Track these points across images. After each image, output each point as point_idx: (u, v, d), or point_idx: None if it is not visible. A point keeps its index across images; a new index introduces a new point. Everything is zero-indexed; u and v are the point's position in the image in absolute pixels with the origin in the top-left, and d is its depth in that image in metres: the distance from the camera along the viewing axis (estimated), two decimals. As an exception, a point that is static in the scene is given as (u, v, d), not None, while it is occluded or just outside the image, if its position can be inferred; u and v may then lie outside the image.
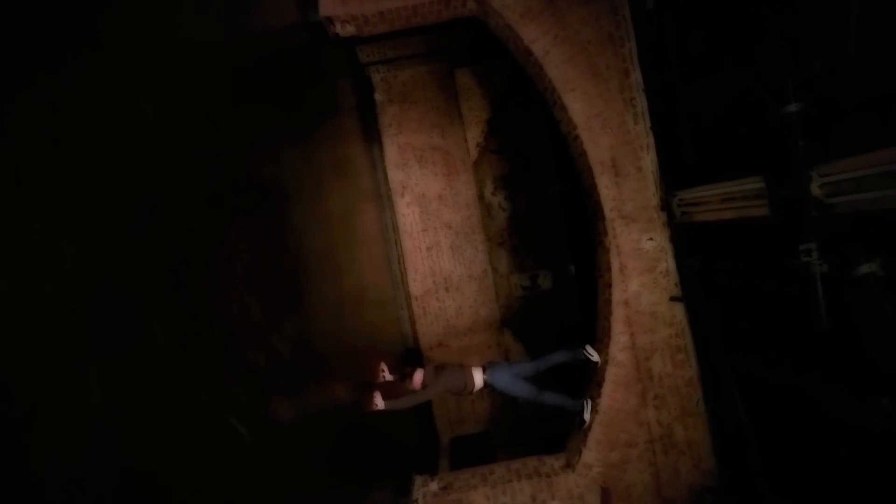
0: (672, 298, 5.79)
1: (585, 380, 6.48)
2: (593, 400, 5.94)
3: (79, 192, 1.56)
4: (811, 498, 4.63)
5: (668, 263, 5.82)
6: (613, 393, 5.80)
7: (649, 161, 5.80)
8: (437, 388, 5.39)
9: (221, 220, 2.55)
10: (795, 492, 4.83)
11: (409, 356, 8.27)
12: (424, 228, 10.30)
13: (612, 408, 5.79)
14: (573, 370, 6.38)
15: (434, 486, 5.82)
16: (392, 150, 10.37)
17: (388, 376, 5.45)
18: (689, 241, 5.72)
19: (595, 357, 5.76)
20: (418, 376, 5.38)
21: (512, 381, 5.66)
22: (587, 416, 5.81)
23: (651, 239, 5.82)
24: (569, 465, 5.83)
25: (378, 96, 10.41)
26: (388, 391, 5.19)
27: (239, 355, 2.43)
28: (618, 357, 5.80)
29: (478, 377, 5.58)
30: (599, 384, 5.89)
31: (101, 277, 1.59)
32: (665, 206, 5.76)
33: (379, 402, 4.93)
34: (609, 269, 5.92)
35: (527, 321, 10.34)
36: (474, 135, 10.44)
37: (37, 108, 1.47)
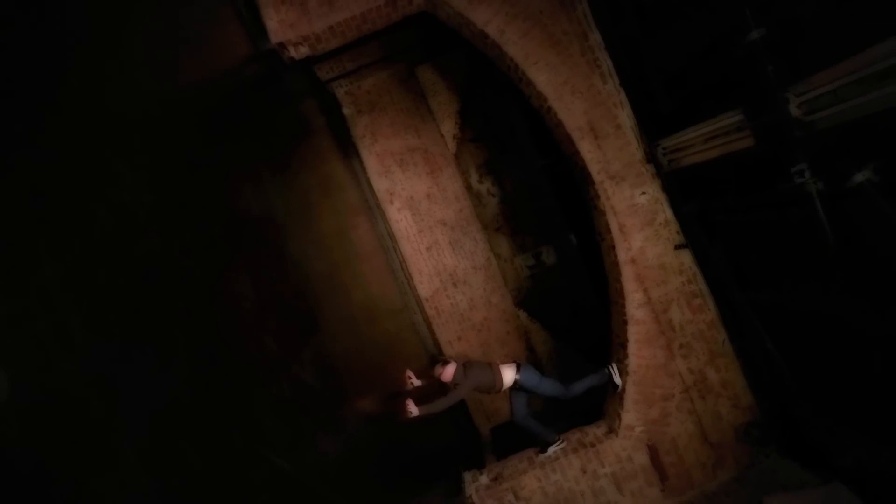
0: (677, 247, 5.78)
1: (607, 345, 6.48)
2: (620, 362, 5.95)
3: (74, 265, 1.56)
4: (852, 413, 4.64)
5: (666, 213, 5.81)
6: (639, 351, 5.80)
7: (626, 117, 5.79)
8: (468, 387, 5.45)
9: (219, 263, 2.54)
10: (835, 410, 4.84)
11: (434, 361, 8.27)
12: (420, 230, 10.28)
13: (641, 365, 5.79)
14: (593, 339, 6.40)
15: (484, 478, 5.83)
16: (371, 160, 10.35)
17: (417, 382, 5.48)
18: (681, 187, 5.71)
19: (617, 379, 5.90)
20: (450, 369, 5.50)
21: (541, 381, 5.82)
22: (618, 379, 5.89)
23: (644, 193, 5.81)
24: (611, 431, 5.83)
25: (346, 110, 10.38)
26: (420, 397, 5.21)
27: (265, 391, 2.43)
28: (636, 315, 5.79)
29: (508, 375, 5.69)
30: (624, 345, 5.89)
31: (113, 345, 1.59)
32: (650, 157, 5.74)
33: (413, 409, 4.97)
34: (609, 231, 5.91)
35: (540, 298, 10.35)
36: (449, 128, 10.42)
37: (17, 190, 1.46)
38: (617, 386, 5.89)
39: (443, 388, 5.54)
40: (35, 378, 1.32)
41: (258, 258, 3.13)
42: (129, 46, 2.66)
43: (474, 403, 9.80)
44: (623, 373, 5.87)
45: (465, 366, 5.61)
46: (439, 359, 5.64)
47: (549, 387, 5.85)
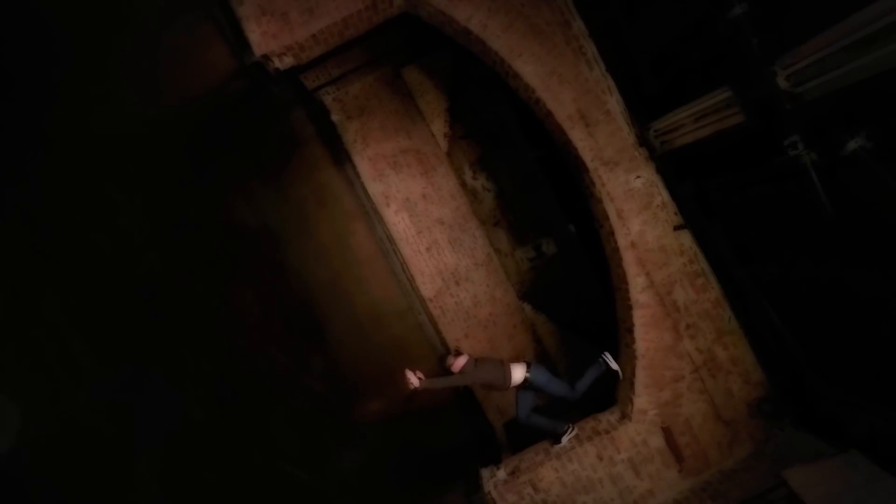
0: (676, 228, 5.78)
1: (614, 331, 6.48)
2: (628, 346, 5.95)
3: (77, 294, 1.56)
4: (863, 380, 4.64)
5: (662, 195, 5.81)
6: (646, 334, 5.80)
7: (615, 102, 5.78)
8: (473, 378, 5.58)
9: (221, 281, 2.54)
10: (846, 378, 4.84)
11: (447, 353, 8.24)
12: (418, 231, 10.28)
13: (648, 349, 5.80)
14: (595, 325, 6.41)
15: (502, 473, 5.83)
16: (364, 165, 10.34)
17: (416, 381, 5.52)
18: (676, 168, 5.71)
19: (614, 365, 6.00)
20: (461, 361, 5.66)
21: (550, 381, 5.92)
22: (615, 366, 5.96)
23: (639, 177, 5.81)
24: (624, 416, 5.84)
25: (335, 117, 10.37)
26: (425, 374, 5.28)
27: (277, 405, 2.43)
28: (640, 299, 5.79)
29: (517, 373, 5.80)
30: (630, 330, 5.89)
31: (122, 370, 1.60)
32: (643, 141, 5.74)
33: (414, 380, 5.06)
34: (607, 218, 5.91)
35: (543, 290, 10.35)
36: (439, 127, 10.41)
37: (15, 225, 1.46)
38: (616, 372, 5.93)
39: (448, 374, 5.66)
40: (46, 409, 1.32)
41: (259, 272, 3.13)
42: (113, 72, 2.66)
43: (486, 400, 9.81)
44: (632, 357, 5.87)
45: (477, 361, 5.71)
46: (451, 355, 5.74)
47: (557, 387, 5.96)
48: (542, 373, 5.88)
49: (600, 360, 6.07)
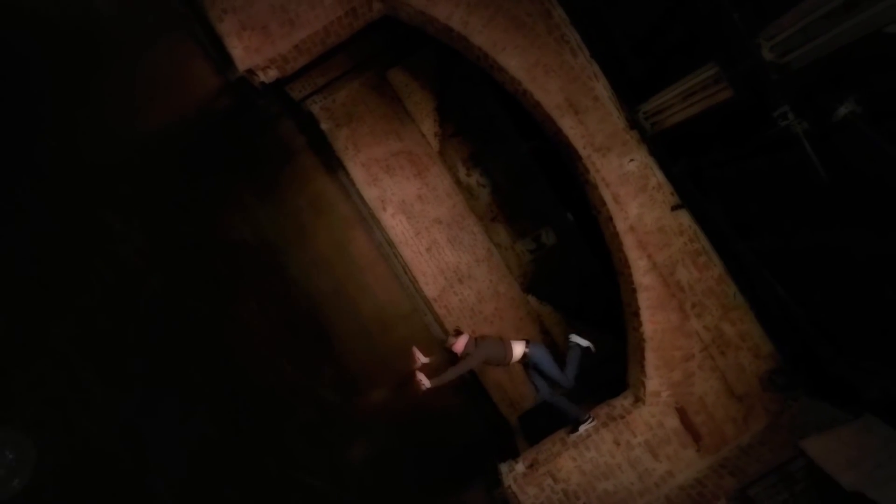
0: (673, 208, 5.78)
1: (620, 315, 6.48)
2: (635, 330, 5.95)
3: (82, 323, 1.57)
4: (872, 344, 4.64)
5: (657, 176, 5.80)
6: (652, 317, 5.80)
7: (602, 88, 5.78)
8: (478, 358, 5.53)
9: (225, 298, 2.55)
10: (856, 343, 4.84)
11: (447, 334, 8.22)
12: (417, 232, 10.28)
13: (656, 331, 5.80)
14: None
15: (520, 467, 5.84)
16: (358, 171, 10.33)
17: (424, 359, 5.60)
18: (668, 148, 5.70)
19: (584, 343, 6.04)
20: (462, 341, 5.59)
21: (547, 359, 5.86)
22: (585, 342, 6.02)
23: (632, 160, 5.80)
24: (638, 400, 5.84)
25: (324, 125, 10.37)
26: (430, 373, 5.25)
27: (291, 417, 2.43)
28: (644, 282, 5.79)
29: (517, 349, 5.75)
30: (636, 314, 5.89)
31: (133, 396, 1.60)
32: (633, 124, 5.73)
33: (425, 382, 5.03)
34: (604, 203, 5.91)
35: (546, 281, 10.35)
36: (429, 126, 10.41)
37: (15, 259, 1.46)
38: (588, 348, 5.97)
39: (453, 362, 5.61)
40: (61, 439, 1.33)
41: (262, 286, 3.13)
42: (98, 97, 2.66)
43: (498, 393, 9.82)
44: (640, 340, 5.87)
45: (478, 340, 5.67)
46: (451, 336, 5.70)
47: (553, 369, 5.87)
48: (541, 350, 5.86)
49: (570, 343, 6.07)
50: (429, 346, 7.55)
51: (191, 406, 1.81)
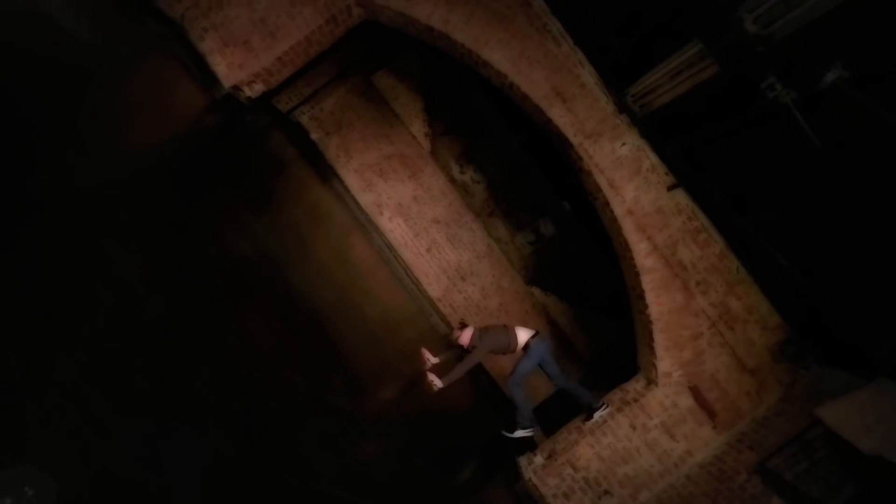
0: (669, 188, 5.77)
1: (625, 299, 6.48)
2: (641, 313, 5.94)
3: (89, 351, 1.56)
4: (879, 306, 4.63)
5: (651, 158, 5.80)
6: (657, 298, 5.79)
7: (588, 74, 5.77)
8: (484, 349, 5.49)
9: (229, 315, 2.54)
10: (862, 307, 4.84)
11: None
12: (416, 234, 10.27)
13: (662, 312, 5.79)
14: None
15: (539, 459, 5.84)
16: (351, 178, 10.33)
17: (434, 359, 5.57)
18: (660, 129, 5.70)
19: (597, 416, 5.79)
20: (467, 333, 5.56)
21: (550, 352, 5.78)
22: (597, 416, 5.79)
23: (624, 144, 5.79)
24: (650, 382, 5.84)
25: (314, 135, 10.36)
26: (440, 372, 5.26)
27: (305, 427, 2.43)
28: (646, 264, 5.78)
29: (522, 335, 5.69)
30: (641, 296, 5.88)
31: (147, 420, 1.60)
32: (622, 107, 5.72)
33: (437, 382, 5.03)
34: (599, 189, 5.90)
35: (549, 271, 10.34)
36: (419, 127, 10.40)
37: (17, 294, 1.46)
38: (593, 418, 5.80)
39: (462, 358, 5.57)
40: (79, 469, 1.32)
41: (266, 300, 3.13)
42: (87, 126, 2.66)
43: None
44: (647, 322, 5.86)
45: (482, 330, 5.65)
46: (457, 330, 5.66)
47: (553, 364, 5.82)
48: (546, 342, 5.78)
49: (603, 401, 5.89)
50: (437, 346, 7.55)
51: (205, 425, 1.81)
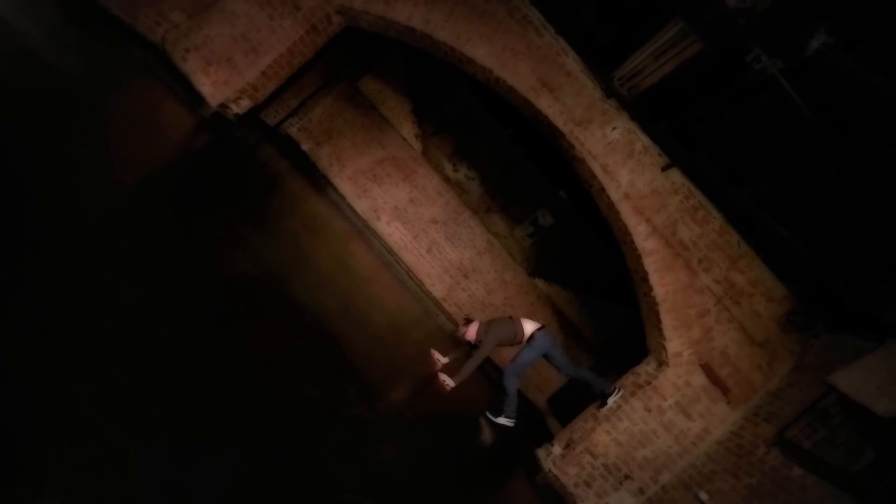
0: (664, 168, 5.77)
1: (629, 282, 6.48)
2: (647, 295, 5.94)
3: (102, 383, 1.57)
4: (883, 267, 4.63)
5: (642, 140, 5.80)
6: (661, 279, 5.79)
7: (573, 62, 5.77)
8: (491, 342, 5.53)
9: (237, 335, 2.55)
10: (866, 270, 4.83)
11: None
12: (415, 235, 10.28)
13: (667, 292, 5.79)
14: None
15: (557, 449, 5.84)
16: (346, 185, 10.33)
17: (444, 359, 5.70)
18: (649, 110, 5.69)
19: (611, 401, 5.76)
20: (473, 328, 5.62)
21: (553, 346, 5.78)
22: (611, 401, 5.74)
23: (615, 128, 5.79)
24: (661, 364, 5.83)
25: (305, 146, 10.36)
26: (451, 371, 5.29)
27: (324, 440, 2.43)
28: (647, 246, 5.78)
29: (528, 326, 5.72)
30: (645, 279, 5.88)
31: (163, 447, 1.60)
32: (610, 92, 5.72)
33: (449, 382, 5.13)
34: (594, 176, 5.90)
35: (550, 261, 10.34)
36: (408, 129, 10.40)
37: (24, 332, 1.46)
38: (607, 404, 5.76)
39: (471, 355, 5.59)
40: (99, 503, 1.33)
41: (273, 316, 3.13)
42: (79, 159, 2.66)
43: (524, 380, 9.81)
44: (653, 304, 5.86)
45: (488, 324, 5.70)
46: (462, 325, 5.71)
47: (561, 356, 5.82)
48: (552, 336, 5.78)
49: (615, 386, 5.88)
50: (445, 346, 7.56)
51: (224, 447, 1.81)
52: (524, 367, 5.82)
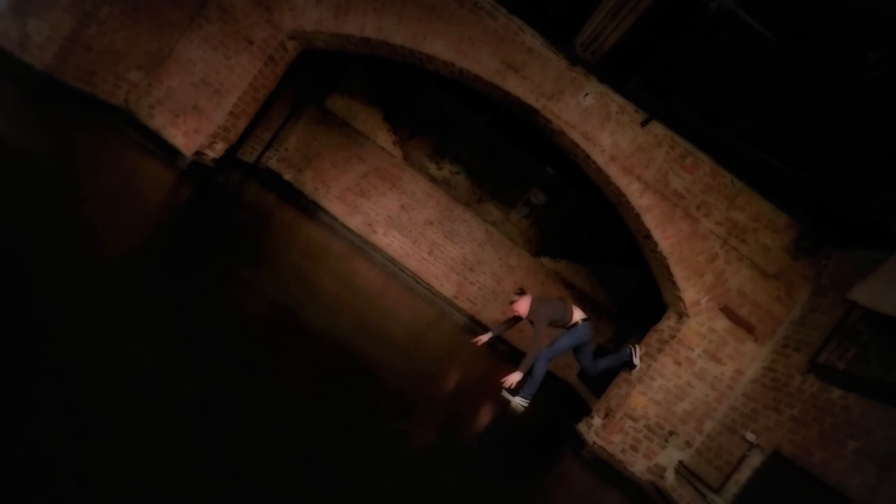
0: (643, 123, 5.77)
1: (633, 243, 6.48)
2: (653, 252, 5.94)
3: (139, 452, 1.56)
4: (880, 176, 4.62)
5: (616, 100, 5.79)
6: (664, 233, 5.79)
7: (531, 38, 5.76)
8: (544, 321, 5.59)
9: (261, 376, 2.55)
10: (863, 181, 4.81)
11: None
12: (414, 241, 10.29)
13: (673, 244, 5.79)
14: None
15: (597, 420, 5.84)
16: (335, 206, 10.35)
17: (485, 337, 6.08)
18: (616, 70, 5.69)
19: (636, 360, 5.86)
20: (524, 302, 5.74)
21: (589, 339, 5.90)
22: (637, 360, 5.83)
23: (587, 94, 5.79)
24: (681, 316, 5.83)
25: (287, 176, 10.37)
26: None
27: (367, 461, 2.43)
28: (643, 203, 5.78)
29: (577, 313, 5.82)
30: (648, 236, 5.89)
31: (214, 501, 1.60)
32: (574, 60, 5.72)
33: (514, 376, 5.40)
34: (576, 145, 5.90)
35: (551, 237, 10.35)
36: (385, 138, 10.40)
37: (50, 420, 1.46)
38: (635, 366, 5.85)
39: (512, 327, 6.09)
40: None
41: (291, 350, 3.13)
42: (67, 236, 2.66)
43: (552, 363, 9.82)
44: (662, 259, 5.86)
45: (538, 300, 5.78)
46: (513, 298, 5.83)
47: (588, 354, 5.99)
48: (592, 328, 5.91)
49: (628, 349, 5.96)
50: (464, 340, 7.57)
51: (274, 490, 1.80)
52: (559, 353, 5.88)
